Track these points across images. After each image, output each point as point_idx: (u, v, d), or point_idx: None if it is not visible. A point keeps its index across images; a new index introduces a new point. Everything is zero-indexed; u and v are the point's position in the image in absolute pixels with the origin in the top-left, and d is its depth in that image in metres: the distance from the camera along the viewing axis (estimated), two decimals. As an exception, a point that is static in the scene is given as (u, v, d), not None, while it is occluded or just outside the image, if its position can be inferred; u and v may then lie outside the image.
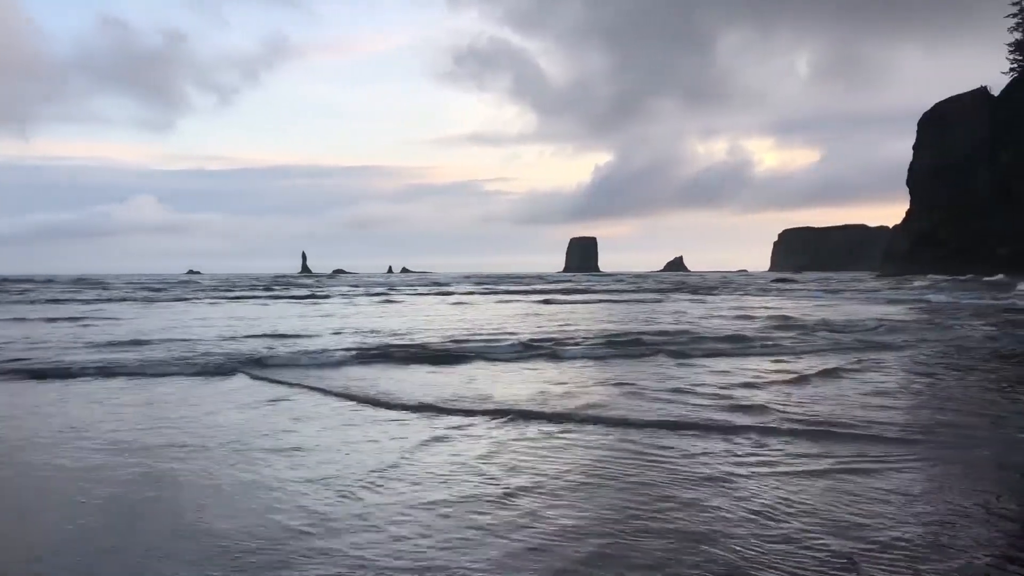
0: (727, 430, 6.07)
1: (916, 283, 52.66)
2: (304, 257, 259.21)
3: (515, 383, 8.77)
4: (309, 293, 43.60)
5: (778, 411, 6.77)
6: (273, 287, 57.39)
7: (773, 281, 74.16)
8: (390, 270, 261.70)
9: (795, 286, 54.69)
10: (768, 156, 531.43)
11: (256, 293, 42.96)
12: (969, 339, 13.06)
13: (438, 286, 61.50)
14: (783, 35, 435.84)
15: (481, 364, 10.50)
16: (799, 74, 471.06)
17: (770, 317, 19.04)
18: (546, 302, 32.43)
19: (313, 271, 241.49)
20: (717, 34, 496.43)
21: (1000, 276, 66.59)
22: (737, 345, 11.84)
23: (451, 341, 12.90)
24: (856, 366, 9.95)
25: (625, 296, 37.57)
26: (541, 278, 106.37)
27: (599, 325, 17.93)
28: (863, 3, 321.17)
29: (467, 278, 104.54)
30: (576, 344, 12.21)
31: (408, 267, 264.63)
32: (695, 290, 46.53)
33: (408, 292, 46.39)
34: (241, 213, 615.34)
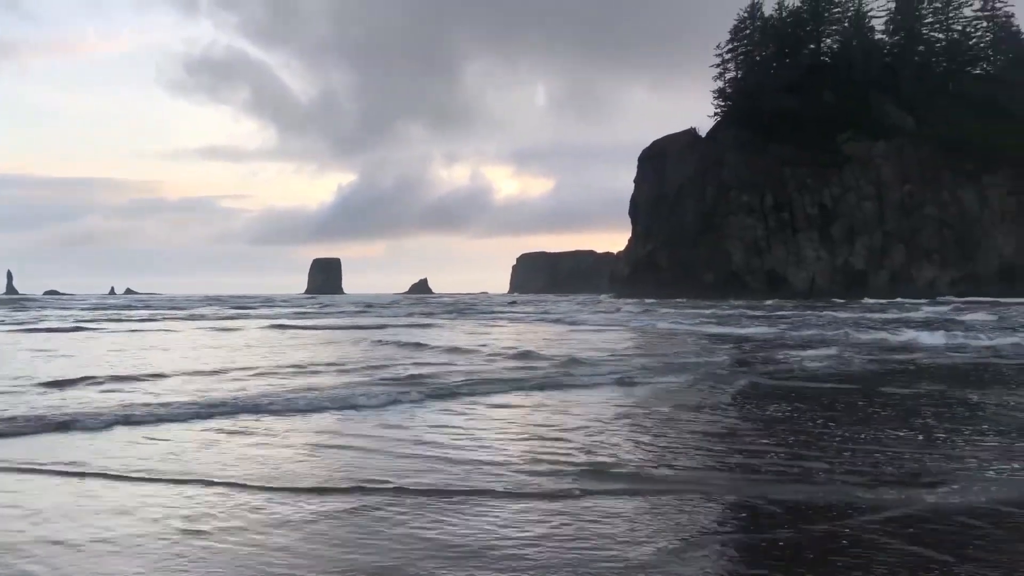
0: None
1: (625, 307, 56.72)
2: (10, 276, 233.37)
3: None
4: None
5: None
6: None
7: (510, 303, 76.95)
8: (112, 291, 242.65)
9: (536, 308, 56.66)
10: (507, 183, 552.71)
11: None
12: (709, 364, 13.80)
13: (155, 310, 57.16)
14: (525, 65, 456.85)
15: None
16: (537, 105, 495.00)
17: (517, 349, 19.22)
18: (279, 327, 30.98)
19: (20, 292, 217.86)
20: (464, 60, 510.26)
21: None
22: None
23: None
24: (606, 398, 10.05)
25: (400, 320, 36.88)
26: (284, 300, 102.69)
27: (336, 356, 17.12)
28: (596, 40, 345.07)
29: (193, 299, 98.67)
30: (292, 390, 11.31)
31: (133, 288, 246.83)
32: (455, 313, 46.85)
33: (136, 317, 42.49)
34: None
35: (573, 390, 10.76)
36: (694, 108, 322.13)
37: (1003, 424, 8.07)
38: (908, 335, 20.87)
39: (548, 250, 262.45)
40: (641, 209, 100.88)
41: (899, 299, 62.88)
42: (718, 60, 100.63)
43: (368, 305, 73.25)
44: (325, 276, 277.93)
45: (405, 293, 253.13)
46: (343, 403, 9.19)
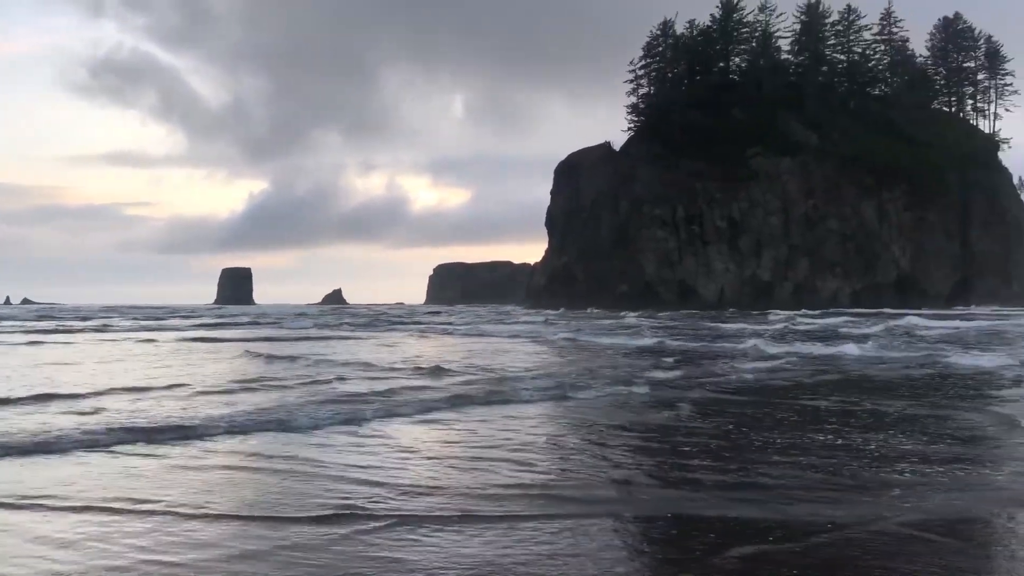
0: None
1: (527, 318, 57.29)
2: None
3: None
4: None
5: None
6: None
7: (429, 313, 76.87)
8: (7, 300, 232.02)
9: (458, 319, 56.44)
10: (424, 193, 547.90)
11: None
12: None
13: (59, 320, 54.76)
14: (443, 75, 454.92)
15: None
16: (455, 115, 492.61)
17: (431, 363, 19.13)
18: (198, 340, 30.12)
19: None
20: (381, 68, 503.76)
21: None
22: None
23: None
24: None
25: (320, 333, 36.18)
26: (190, 311, 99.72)
27: (229, 378, 16.75)
28: (514, 52, 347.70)
29: (97, 309, 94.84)
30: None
31: (31, 298, 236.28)
32: (375, 325, 46.23)
33: (40, 328, 40.51)
34: None
35: (508, 406, 10.83)
36: (609, 122, 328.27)
37: (905, 429, 8.68)
38: (815, 347, 21.80)
39: (465, 261, 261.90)
40: (557, 221, 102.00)
41: (803, 310, 65.24)
42: (631, 76, 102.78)
43: (282, 316, 71.77)
44: (235, 286, 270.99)
45: (319, 304, 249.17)
46: (285, 425, 8.95)
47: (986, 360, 17.25)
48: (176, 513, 5.47)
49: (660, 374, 14.76)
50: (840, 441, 7.99)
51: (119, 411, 9.87)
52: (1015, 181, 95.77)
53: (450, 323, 48.02)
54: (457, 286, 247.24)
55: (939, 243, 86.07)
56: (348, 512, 5.45)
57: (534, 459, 7.24)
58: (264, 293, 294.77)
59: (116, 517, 5.42)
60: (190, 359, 20.03)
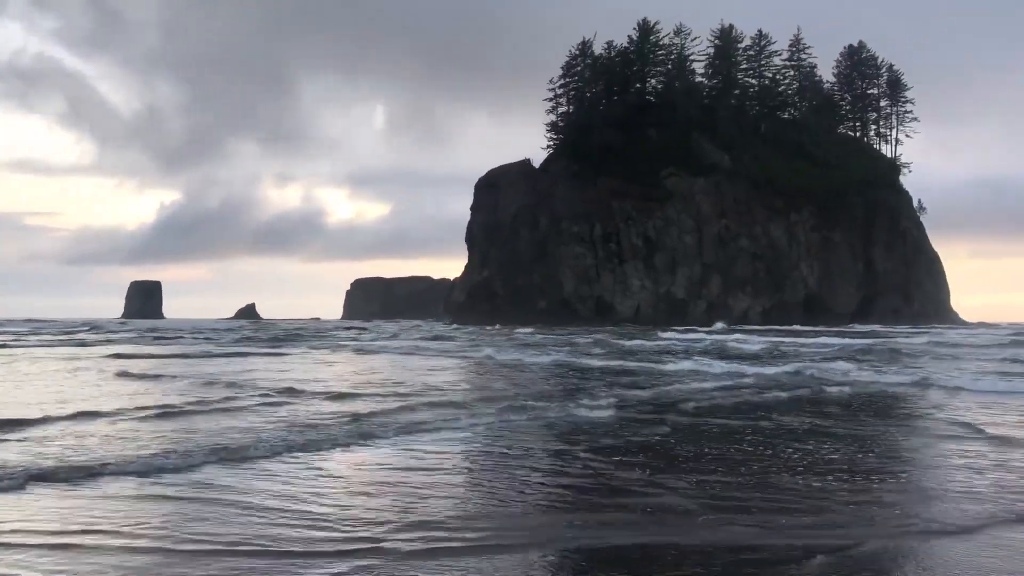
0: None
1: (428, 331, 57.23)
2: None
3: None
4: None
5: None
6: None
7: (348, 329, 75.86)
8: None
9: (375, 335, 55.76)
10: (341, 206, 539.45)
11: None
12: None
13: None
14: (365, 86, 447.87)
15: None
16: (375, 127, 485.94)
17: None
18: (114, 355, 28.92)
19: None
20: (301, 77, 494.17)
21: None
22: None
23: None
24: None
25: (240, 348, 35.02)
26: (92, 326, 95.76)
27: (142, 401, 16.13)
28: (436, 66, 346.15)
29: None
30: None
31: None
32: (295, 341, 44.94)
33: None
34: None
35: (458, 430, 10.53)
36: (529, 139, 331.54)
37: (872, 448, 9.00)
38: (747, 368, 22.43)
39: (383, 275, 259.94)
40: (477, 236, 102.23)
41: (720, 324, 67.06)
42: (551, 95, 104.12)
43: (195, 331, 69.50)
44: (144, 300, 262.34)
45: (231, 318, 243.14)
46: (234, 455, 8.38)
47: (895, 377, 18.02)
48: (168, 549, 5.16)
49: (605, 394, 14.89)
50: (770, 452, 8.23)
51: (50, 439, 9.31)
52: (915, 204, 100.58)
53: (369, 339, 47.22)
54: (375, 301, 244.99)
55: (844, 263, 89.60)
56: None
57: (494, 487, 7.11)
58: (174, 307, 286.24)
59: (105, 553, 5.07)
60: (106, 378, 19.24)
